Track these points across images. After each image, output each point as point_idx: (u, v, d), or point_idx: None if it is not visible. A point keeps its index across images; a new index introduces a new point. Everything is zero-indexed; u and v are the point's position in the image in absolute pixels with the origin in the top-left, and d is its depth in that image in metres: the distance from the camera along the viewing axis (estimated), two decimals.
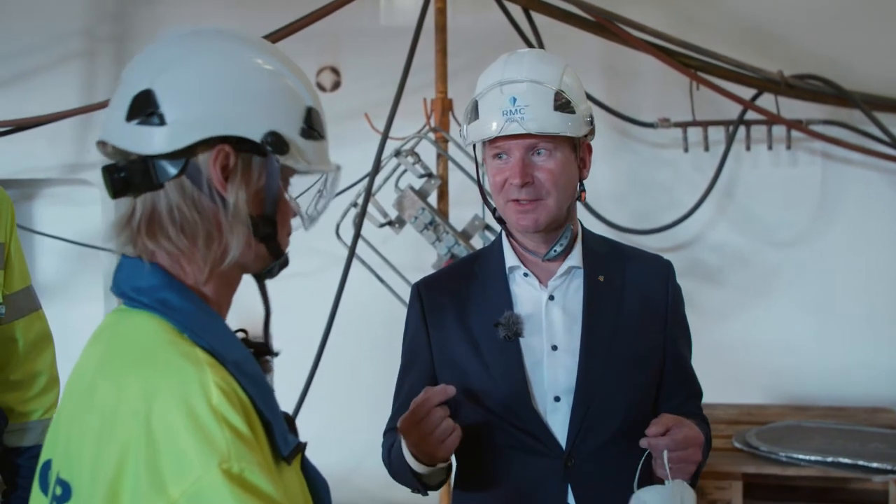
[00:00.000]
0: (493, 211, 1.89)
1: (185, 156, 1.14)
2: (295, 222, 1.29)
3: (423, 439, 1.66)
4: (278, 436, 1.13)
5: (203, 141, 1.14)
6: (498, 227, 3.35)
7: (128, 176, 1.16)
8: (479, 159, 1.88)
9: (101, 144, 1.21)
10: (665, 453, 1.64)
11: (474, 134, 1.81)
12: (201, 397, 1.03)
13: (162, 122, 1.13)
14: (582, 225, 1.93)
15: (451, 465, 1.81)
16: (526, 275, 1.85)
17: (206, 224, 1.16)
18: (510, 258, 1.87)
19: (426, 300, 1.91)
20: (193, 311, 1.14)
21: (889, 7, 4.16)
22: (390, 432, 1.90)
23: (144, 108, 1.14)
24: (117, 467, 1.01)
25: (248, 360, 1.15)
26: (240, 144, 1.15)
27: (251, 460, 1.02)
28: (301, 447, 1.17)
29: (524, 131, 1.72)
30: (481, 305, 1.85)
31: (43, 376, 2.18)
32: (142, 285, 1.16)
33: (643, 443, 1.67)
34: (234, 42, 1.21)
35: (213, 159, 1.14)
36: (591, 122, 1.82)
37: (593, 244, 1.91)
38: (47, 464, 1.18)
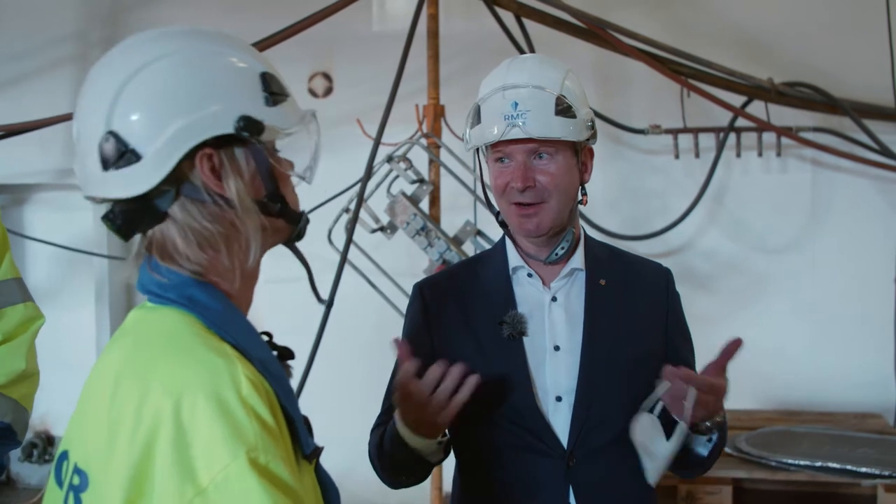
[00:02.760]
0: (497, 214, 1.90)
1: (173, 178, 1.14)
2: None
3: (419, 410, 1.65)
4: (301, 434, 1.14)
5: (184, 156, 1.13)
6: (490, 232, 3.33)
7: (129, 219, 1.16)
8: (482, 162, 1.89)
9: (90, 197, 1.20)
10: (691, 391, 1.64)
11: (477, 138, 1.82)
12: (231, 388, 1.04)
13: (138, 158, 1.12)
14: (585, 230, 1.95)
15: (448, 444, 1.80)
16: (530, 275, 1.87)
17: (222, 229, 1.17)
18: (513, 259, 1.88)
19: (429, 300, 1.92)
20: (221, 309, 1.15)
21: (878, 15, 4.18)
22: (378, 427, 1.90)
23: (116, 152, 1.12)
24: (143, 454, 1.02)
25: (273, 361, 1.17)
26: (218, 141, 1.15)
27: (276, 453, 1.04)
28: (319, 450, 1.19)
29: (525, 136, 1.74)
30: (484, 305, 1.86)
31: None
32: (168, 282, 1.16)
33: (672, 373, 1.65)
34: (166, 43, 1.18)
35: (200, 168, 1.14)
36: (593, 127, 1.84)
37: (595, 249, 1.93)
38: (63, 455, 1.18)
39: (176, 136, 1.12)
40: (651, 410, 1.72)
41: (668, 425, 1.70)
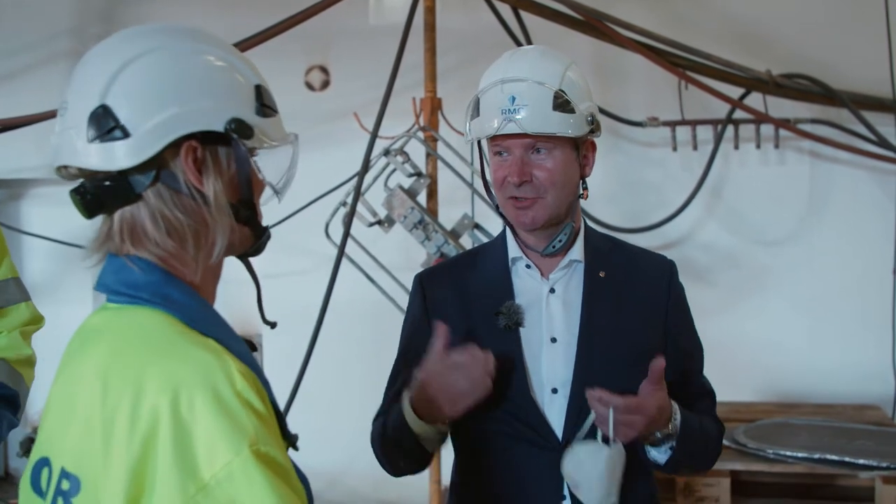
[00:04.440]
0: (496, 206, 1.89)
1: (155, 163, 1.15)
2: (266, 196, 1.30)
3: (442, 390, 1.67)
4: (284, 422, 1.16)
5: (170, 144, 1.14)
6: (487, 226, 3.32)
7: (100, 195, 1.16)
8: (485, 153, 1.89)
9: (62, 168, 1.20)
10: (611, 411, 1.64)
11: (475, 130, 1.82)
12: (226, 383, 1.06)
13: (125, 135, 1.13)
14: (586, 222, 1.94)
15: (446, 434, 1.80)
16: (528, 266, 1.86)
17: (193, 222, 1.17)
18: (513, 249, 1.88)
19: (428, 290, 1.93)
20: (197, 306, 1.17)
21: (876, 7, 4.17)
22: (381, 416, 1.91)
23: (104, 125, 1.13)
24: (142, 453, 1.03)
25: (248, 354, 1.17)
26: (205, 137, 1.17)
27: (273, 442, 1.06)
28: (296, 437, 1.20)
29: (521, 131, 1.74)
30: (483, 296, 1.86)
31: None
32: (139, 281, 1.16)
33: (593, 394, 1.67)
34: (172, 37, 1.21)
35: (184, 158, 1.16)
36: (593, 121, 1.82)
37: (596, 241, 1.92)
38: (42, 462, 1.17)
39: (167, 121, 1.14)
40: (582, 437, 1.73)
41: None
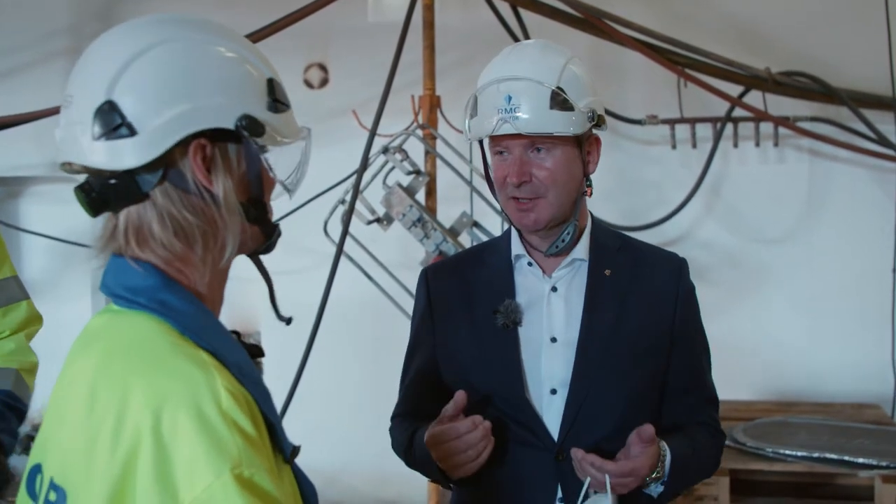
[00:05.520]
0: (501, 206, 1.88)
1: (162, 161, 1.11)
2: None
3: (444, 458, 1.68)
4: (282, 438, 1.12)
5: (178, 142, 1.10)
6: (486, 223, 3.32)
7: (106, 194, 1.12)
8: (486, 152, 1.86)
9: (67, 163, 1.16)
10: (608, 478, 1.64)
11: (474, 130, 1.79)
12: (211, 401, 1.01)
13: (132, 133, 1.09)
14: (594, 219, 1.91)
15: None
16: (530, 264, 1.84)
17: (202, 223, 1.14)
18: (516, 247, 1.86)
19: (432, 285, 1.92)
20: (194, 313, 1.12)
21: (876, 4, 4.17)
22: (400, 418, 1.91)
23: (110, 122, 1.09)
24: (123, 472, 1.00)
25: (248, 363, 1.13)
26: (214, 135, 1.13)
27: (259, 465, 1.01)
28: (297, 450, 1.16)
29: (516, 131, 1.70)
30: (485, 293, 1.84)
31: None
32: (138, 285, 1.12)
33: (587, 459, 1.66)
34: (182, 28, 1.16)
35: (192, 156, 1.12)
36: (594, 117, 1.78)
37: (604, 238, 1.89)
38: (36, 468, 1.15)
39: (176, 119, 1.10)
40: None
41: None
